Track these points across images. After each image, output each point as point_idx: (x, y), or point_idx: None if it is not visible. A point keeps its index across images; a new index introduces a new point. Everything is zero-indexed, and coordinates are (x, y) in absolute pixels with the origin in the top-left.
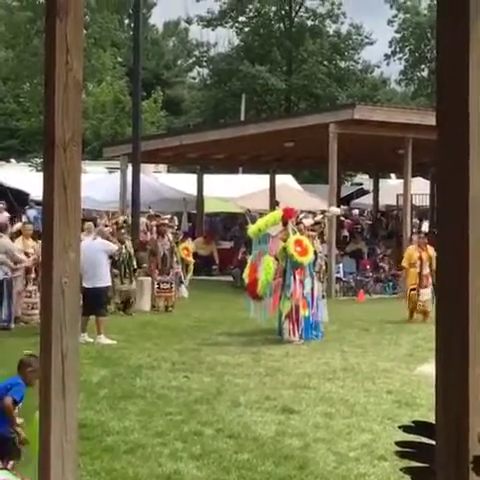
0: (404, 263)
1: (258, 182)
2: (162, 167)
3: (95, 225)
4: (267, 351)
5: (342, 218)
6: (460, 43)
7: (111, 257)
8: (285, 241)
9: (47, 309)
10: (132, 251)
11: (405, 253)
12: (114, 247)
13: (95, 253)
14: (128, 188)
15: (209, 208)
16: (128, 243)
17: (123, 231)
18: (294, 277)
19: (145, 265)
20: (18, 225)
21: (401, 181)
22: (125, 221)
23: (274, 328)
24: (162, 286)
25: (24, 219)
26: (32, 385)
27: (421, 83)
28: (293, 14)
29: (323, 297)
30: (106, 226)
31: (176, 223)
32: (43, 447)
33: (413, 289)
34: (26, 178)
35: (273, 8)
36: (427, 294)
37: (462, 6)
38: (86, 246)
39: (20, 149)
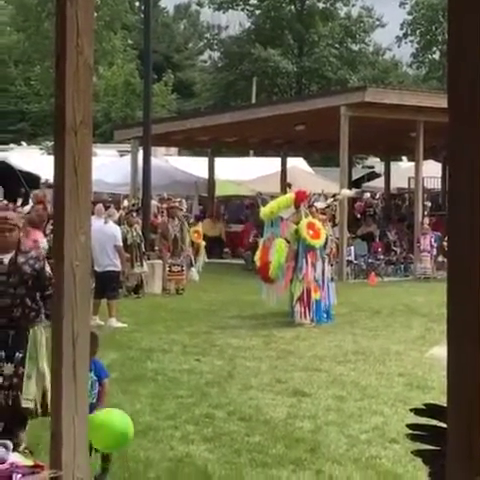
0: None
1: (269, 165)
2: (173, 150)
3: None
4: (278, 334)
5: (356, 203)
6: (471, 25)
7: (123, 241)
8: (297, 224)
9: (59, 292)
10: (141, 234)
11: None
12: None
13: (106, 236)
14: (139, 171)
15: (220, 191)
16: (138, 226)
17: (134, 214)
18: (306, 260)
19: (156, 248)
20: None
21: (413, 164)
22: (134, 204)
23: (285, 311)
24: (173, 269)
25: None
26: None
27: (432, 66)
28: None
29: (332, 280)
30: (118, 209)
31: (185, 206)
32: (54, 429)
33: None
34: (37, 161)
35: None
36: None
37: None
38: (97, 229)
39: (31, 132)
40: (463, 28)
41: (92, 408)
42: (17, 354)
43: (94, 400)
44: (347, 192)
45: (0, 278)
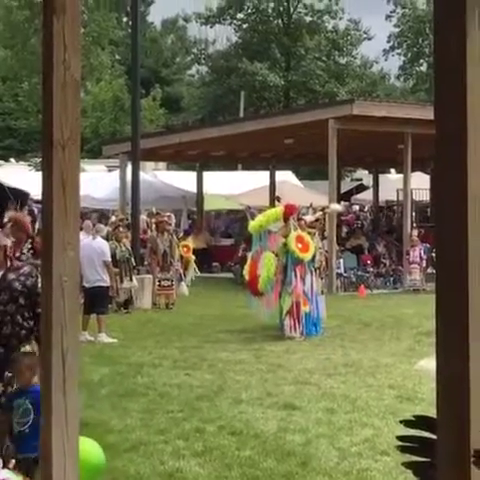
0: None
1: (258, 179)
2: (161, 165)
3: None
4: (268, 347)
5: (342, 217)
6: (458, 37)
7: (112, 256)
8: (286, 237)
9: (47, 308)
10: (130, 249)
11: None
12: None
13: (95, 252)
14: (127, 186)
15: (209, 205)
16: (126, 241)
17: (121, 229)
18: (295, 273)
19: (146, 263)
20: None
21: (401, 176)
22: (121, 220)
23: (275, 325)
24: (163, 283)
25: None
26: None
27: (420, 78)
28: (291, 10)
29: (322, 293)
30: (106, 224)
31: (174, 221)
32: (45, 446)
33: None
34: (26, 177)
35: (271, 4)
36: None
37: (459, 0)
38: (86, 245)
39: (19, 148)
40: (449, 40)
41: (25, 438)
42: (6, 373)
43: (27, 430)
44: (336, 207)
45: None
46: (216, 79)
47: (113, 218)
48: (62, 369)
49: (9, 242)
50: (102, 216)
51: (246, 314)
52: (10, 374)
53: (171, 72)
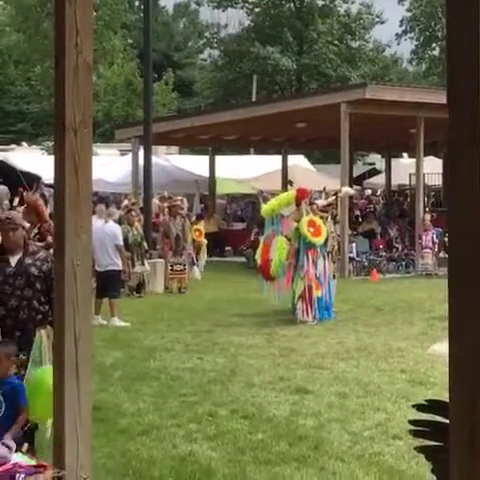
0: None
1: (270, 163)
2: (174, 149)
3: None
4: (280, 332)
5: (354, 200)
6: (470, 21)
7: (124, 240)
8: (298, 222)
9: (60, 291)
10: (142, 233)
11: None
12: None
13: (107, 236)
14: (140, 170)
15: (221, 189)
16: (138, 225)
17: (133, 213)
18: (307, 257)
19: (158, 247)
20: None
21: (413, 160)
22: (133, 203)
23: (287, 309)
24: (175, 267)
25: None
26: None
27: (432, 62)
28: None
29: (334, 277)
30: (118, 208)
31: (186, 205)
32: (57, 429)
33: None
34: (38, 161)
35: None
36: None
37: None
38: (98, 229)
39: (32, 132)
40: (461, 23)
41: None
42: (21, 356)
43: None
44: (348, 190)
45: (7, 280)
46: (228, 63)
47: (126, 202)
48: (75, 354)
49: (27, 224)
50: (114, 200)
51: (258, 298)
52: (24, 357)
53: (183, 56)
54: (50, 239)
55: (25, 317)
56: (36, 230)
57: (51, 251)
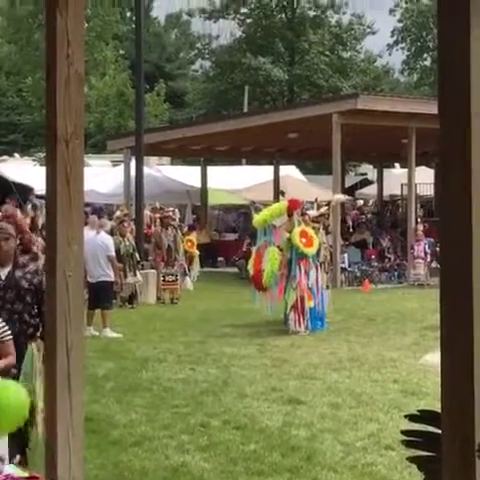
0: None
1: (262, 173)
2: (166, 160)
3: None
4: (273, 342)
5: (346, 211)
6: (461, 31)
7: (116, 251)
8: (290, 232)
9: (51, 303)
10: (134, 244)
11: None
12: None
13: (99, 247)
14: (132, 181)
15: (213, 200)
16: (130, 236)
17: (125, 224)
18: (299, 268)
19: (150, 258)
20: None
21: (405, 170)
22: (126, 214)
23: (279, 319)
24: (167, 278)
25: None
26: None
27: (424, 72)
28: (295, 5)
29: (327, 288)
30: (110, 219)
31: (178, 216)
32: (50, 441)
33: None
34: (30, 172)
35: None
36: None
37: None
38: (90, 240)
39: (24, 143)
40: (452, 34)
41: None
42: (12, 370)
43: None
44: (340, 197)
45: None
46: (220, 74)
47: (118, 213)
48: (67, 365)
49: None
50: (106, 211)
51: (251, 309)
52: (15, 371)
53: (175, 67)
54: (35, 249)
55: (16, 330)
56: (18, 241)
57: (39, 263)
